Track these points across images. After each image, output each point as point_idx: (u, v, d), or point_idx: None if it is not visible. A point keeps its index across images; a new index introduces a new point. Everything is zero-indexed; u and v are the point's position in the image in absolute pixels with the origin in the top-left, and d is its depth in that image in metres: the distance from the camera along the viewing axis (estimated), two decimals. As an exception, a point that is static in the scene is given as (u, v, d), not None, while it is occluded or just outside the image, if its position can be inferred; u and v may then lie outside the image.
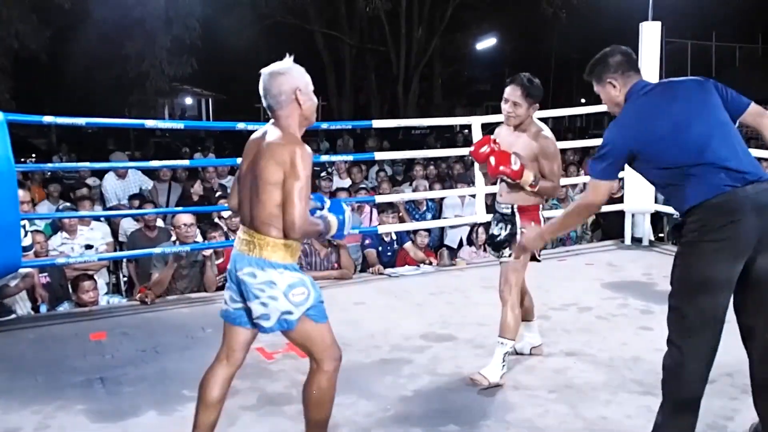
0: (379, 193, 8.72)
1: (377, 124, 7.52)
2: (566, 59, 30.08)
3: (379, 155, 7.56)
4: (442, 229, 8.66)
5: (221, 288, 6.48)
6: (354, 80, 25.86)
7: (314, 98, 3.17)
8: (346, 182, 9.82)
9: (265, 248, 3.03)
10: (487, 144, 4.25)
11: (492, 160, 4.19)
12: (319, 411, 3.15)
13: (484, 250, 8.00)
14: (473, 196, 7.86)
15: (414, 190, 9.28)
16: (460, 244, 8.33)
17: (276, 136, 3.05)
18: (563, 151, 12.15)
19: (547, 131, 4.29)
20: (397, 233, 7.38)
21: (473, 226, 7.96)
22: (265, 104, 3.12)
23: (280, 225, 3.00)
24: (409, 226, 7.56)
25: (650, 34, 7.59)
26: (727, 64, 22.75)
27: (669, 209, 8.38)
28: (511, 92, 4.25)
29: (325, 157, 7.75)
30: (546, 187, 4.24)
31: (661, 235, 9.11)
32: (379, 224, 7.43)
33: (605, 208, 8.07)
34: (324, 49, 24.18)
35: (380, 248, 7.29)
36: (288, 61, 3.18)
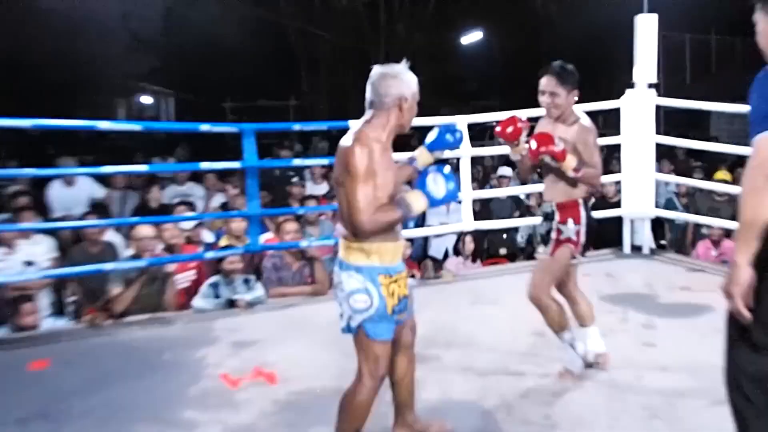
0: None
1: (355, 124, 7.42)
2: (561, 55, 30.21)
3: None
4: (425, 239, 8.56)
5: (184, 307, 6.35)
6: (330, 78, 25.80)
7: (416, 108, 3.44)
8: (323, 187, 9.71)
9: (343, 249, 3.34)
10: (513, 124, 4.38)
11: (533, 143, 4.27)
12: (348, 420, 3.38)
13: (473, 260, 7.91)
14: (459, 201, 7.77)
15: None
16: (446, 255, 8.23)
17: (349, 134, 3.27)
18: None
19: (585, 119, 4.40)
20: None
21: (460, 235, 7.88)
22: (367, 97, 3.35)
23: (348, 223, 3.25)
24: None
25: (646, 27, 7.65)
26: (726, 59, 22.92)
27: (672, 214, 8.34)
28: (546, 83, 4.37)
29: (297, 161, 7.64)
30: (590, 173, 4.31)
31: (663, 242, 9.06)
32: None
33: (601, 214, 8.01)
34: (298, 45, 24.12)
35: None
36: (403, 65, 3.41)
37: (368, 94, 3.37)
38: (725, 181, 8.63)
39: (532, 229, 8.92)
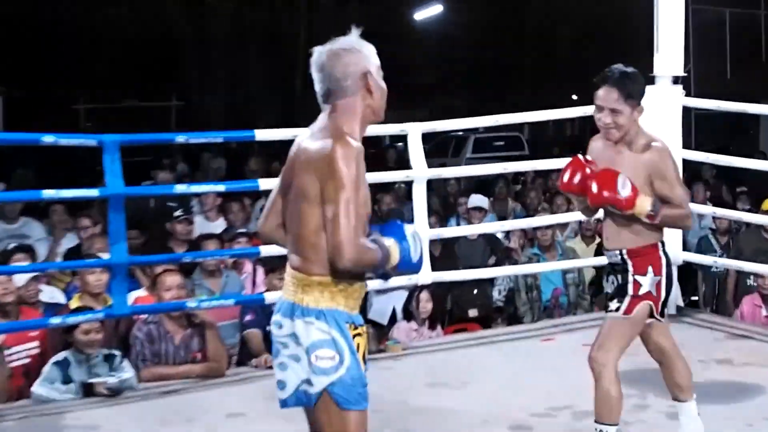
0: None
1: (263, 135, 7.47)
2: (551, 37, 30.69)
3: (266, 183, 7.52)
4: (365, 296, 8.62)
5: (20, 394, 6.32)
6: (228, 68, 25.83)
7: (384, 85, 3.58)
8: (218, 224, 9.71)
9: (299, 289, 3.43)
10: (581, 169, 4.58)
11: (593, 185, 4.47)
12: None
13: (431, 326, 7.98)
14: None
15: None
16: (393, 319, 8.30)
17: (316, 131, 3.46)
18: (547, 174, 12.36)
19: (660, 142, 4.62)
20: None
21: (413, 291, 7.94)
22: (318, 90, 3.51)
23: (322, 257, 3.36)
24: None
25: (670, -1, 7.75)
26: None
27: (708, 259, 8.52)
28: (605, 96, 4.56)
29: (181, 187, 7.64)
30: (671, 215, 4.54)
31: (694, 298, 9.27)
32: (267, 290, 7.36)
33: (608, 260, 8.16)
34: (180, 22, 24.14)
35: (268, 328, 7.20)
36: (354, 35, 3.60)
37: (320, 85, 3.52)
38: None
39: (513, 282, 9.12)
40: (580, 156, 4.69)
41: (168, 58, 26.51)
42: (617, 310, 4.65)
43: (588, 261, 8.93)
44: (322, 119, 3.53)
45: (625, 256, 4.66)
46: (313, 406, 3.42)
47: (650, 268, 4.61)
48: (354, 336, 3.43)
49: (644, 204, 4.45)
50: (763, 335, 7.46)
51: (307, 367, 3.38)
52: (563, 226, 10.08)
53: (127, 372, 6.37)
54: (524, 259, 9.18)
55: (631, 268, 4.64)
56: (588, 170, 4.58)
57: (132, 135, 6.69)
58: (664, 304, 4.72)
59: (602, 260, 8.46)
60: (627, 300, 4.62)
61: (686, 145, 8.00)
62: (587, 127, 29.24)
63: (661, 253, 4.66)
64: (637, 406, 5.85)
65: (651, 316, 4.69)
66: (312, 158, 3.38)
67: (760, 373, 6.51)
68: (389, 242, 3.46)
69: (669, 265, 4.69)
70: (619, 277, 4.69)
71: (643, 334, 4.81)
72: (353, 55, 3.52)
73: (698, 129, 19.58)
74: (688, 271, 8.92)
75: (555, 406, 5.85)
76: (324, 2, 23.75)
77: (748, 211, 9.34)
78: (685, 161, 7.91)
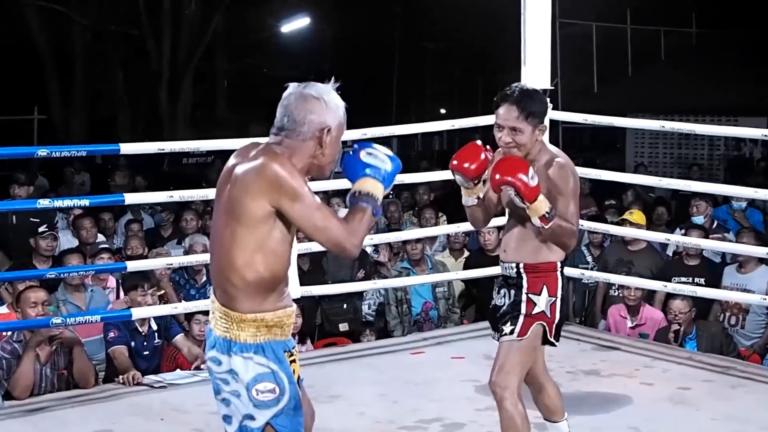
0: (129, 257, 8.57)
1: (128, 149, 7.42)
2: (418, 49, 30.96)
3: (131, 198, 7.46)
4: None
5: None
6: (90, 81, 25.50)
7: (339, 146, 3.64)
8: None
9: (233, 325, 3.48)
10: (481, 151, 4.55)
11: (503, 165, 4.41)
12: None
13: (300, 341, 8.02)
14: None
15: (188, 252, 9.20)
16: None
17: (251, 155, 3.49)
18: (413, 187, 12.45)
19: (563, 158, 4.60)
20: (159, 320, 7.30)
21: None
22: (276, 122, 3.58)
23: (253, 290, 3.46)
24: (183, 307, 7.48)
25: (537, 11, 7.91)
26: (648, 54, 23.89)
27: (575, 271, 8.72)
28: (505, 115, 4.55)
29: (44, 202, 7.54)
30: (561, 226, 4.45)
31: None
32: (130, 306, 7.31)
33: (479, 273, 8.30)
34: (41, 33, 23.74)
35: (134, 344, 7.17)
36: (331, 85, 3.64)
37: (278, 118, 3.59)
38: (638, 225, 9.06)
39: (383, 296, 9.19)
40: (479, 142, 4.65)
41: (29, 70, 26.05)
42: (511, 333, 4.59)
43: (458, 274, 9.06)
44: (261, 145, 3.58)
45: (522, 270, 4.61)
46: None
47: (545, 288, 4.57)
48: (291, 362, 3.54)
49: (543, 204, 4.39)
50: (629, 346, 7.67)
51: (248, 402, 3.46)
52: (432, 239, 10.20)
53: (-12, 391, 6.28)
54: (394, 273, 9.27)
55: (525, 285, 4.60)
56: (486, 155, 4.56)
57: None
58: (559, 327, 4.67)
59: (471, 274, 8.69)
60: (520, 321, 4.57)
61: (554, 158, 8.15)
62: (456, 141, 29.65)
63: (558, 273, 4.63)
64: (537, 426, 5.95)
65: (545, 339, 4.65)
66: (247, 177, 3.43)
67: (626, 384, 6.68)
68: (362, 183, 3.58)
69: (564, 287, 4.67)
70: (512, 292, 4.66)
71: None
72: (319, 105, 3.56)
73: (566, 143, 19.96)
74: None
75: (424, 419, 5.92)
76: (188, 15, 23.52)
77: (617, 223, 9.57)
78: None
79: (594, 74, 22.79)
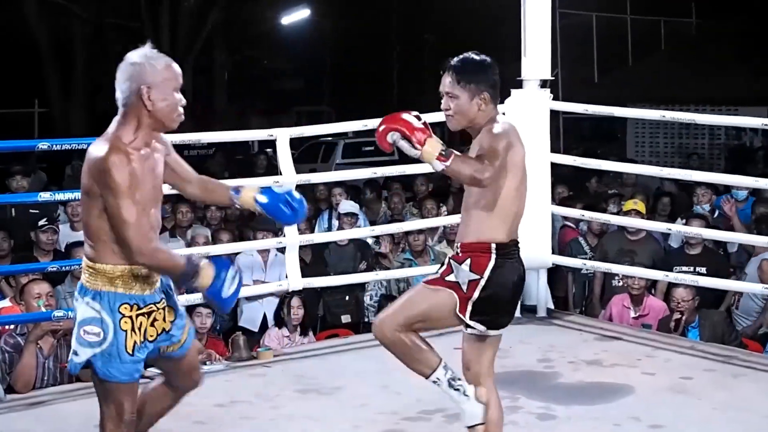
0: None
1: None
2: (416, 41, 30.91)
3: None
4: (236, 303, 8.61)
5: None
6: (90, 75, 25.47)
7: (176, 98, 4.00)
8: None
9: (85, 272, 3.93)
10: (396, 119, 4.34)
11: (384, 121, 4.33)
12: None
13: (302, 333, 8.01)
14: (282, 250, 7.86)
15: (189, 244, 9.20)
16: (264, 326, 8.29)
17: (100, 139, 3.90)
18: (411, 179, 12.42)
19: (501, 126, 4.44)
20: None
21: (284, 298, 7.95)
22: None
23: (101, 248, 3.89)
24: (184, 299, 7.46)
25: (537, 2, 7.90)
26: (648, 44, 23.88)
27: (576, 261, 8.72)
28: (444, 81, 4.53)
29: (45, 196, 7.53)
30: (465, 163, 4.26)
31: (565, 300, 9.45)
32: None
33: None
34: (41, 26, 23.70)
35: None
36: (146, 48, 4.03)
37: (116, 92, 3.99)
38: (639, 214, 9.09)
39: (386, 288, 9.16)
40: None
41: (28, 63, 26.02)
42: (422, 280, 4.64)
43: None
44: (112, 124, 4.00)
45: (458, 249, 4.53)
46: (76, 373, 4.17)
47: (468, 261, 4.43)
48: (138, 316, 3.90)
49: (435, 144, 4.23)
50: (631, 336, 7.65)
51: (75, 340, 3.92)
52: (433, 230, 10.18)
53: (-9, 385, 6.28)
54: (397, 264, 9.25)
55: (450, 261, 4.52)
56: (405, 116, 4.32)
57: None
58: (486, 311, 4.48)
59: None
60: (433, 276, 4.55)
61: (555, 149, 8.14)
62: (457, 132, 29.58)
63: (492, 255, 4.44)
64: (509, 409, 5.94)
65: (459, 320, 4.52)
66: (90, 164, 3.85)
67: (628, 374, 6.67)
68: (205, 264, 3.94)
69: (503, 273, 4.47)
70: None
71: (463, 347, 4.73)
72: (134, 69, 3.95)
73: (566, 133, 19.93)
74: (558, 274, 9.09)
75: (427, 410, 5.91)
76: (188, 6, 23.47)
77: (619, 213, 9.56)
78: (554, 165, 8.07)
79: (594, 65, 22.78)
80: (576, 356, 7.05)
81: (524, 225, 7.88)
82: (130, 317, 3.86)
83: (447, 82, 4.49)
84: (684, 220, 9.28)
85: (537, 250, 8.06)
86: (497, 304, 4.48)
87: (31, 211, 9.72)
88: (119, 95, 3.97)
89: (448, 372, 4.58)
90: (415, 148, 4.23)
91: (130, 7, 23.84)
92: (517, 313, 8.15)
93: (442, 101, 4.54)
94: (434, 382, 4.56)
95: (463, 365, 4.70)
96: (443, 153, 4.21)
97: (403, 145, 4.25)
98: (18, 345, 6.55)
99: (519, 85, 7.91)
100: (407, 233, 9.32)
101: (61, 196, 7.79)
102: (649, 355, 7.14)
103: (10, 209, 10.06)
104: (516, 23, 7.97)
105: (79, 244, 8.38)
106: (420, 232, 9.14)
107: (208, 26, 23.61)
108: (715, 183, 10.36)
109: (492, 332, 4.58)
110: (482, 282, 4.43)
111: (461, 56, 4.55)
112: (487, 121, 4.48)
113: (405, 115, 4.29)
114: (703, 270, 8.51)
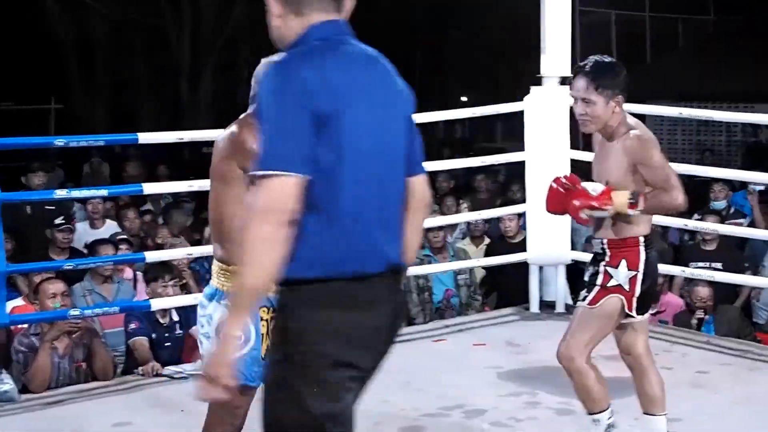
0: (147, 247, 8.59)
1: (146, 138, 7.36)
2: (441, 36, 30.86)
3: (150, 188, 7.44)
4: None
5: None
6: (111, 72, 25.51)
7: None
8: (103, 231, 9.56)
9: (219, 275, 3.95)
10: (555, 191, 4.66)
11: (572, 206, 4.57)
12: None
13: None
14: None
15: (208, 241, 9.21)
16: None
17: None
18: (433, 175, 12.41)
19: (639, 129, 4.62)
20: (181, 311, 7.29)
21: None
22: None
23: (226, 241, 3.86)
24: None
25: (557, 0, 7.90)
26: (667, 41, 23.84)
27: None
28: (577, 86, 4.62)
29: (61, 192, 7.53)
30: (656, 199, 4.54)
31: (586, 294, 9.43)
32: (151, 297, 7.30)
33: (501, 260, 8.28)
34: (62, 24, 23.75)
35: (155, 335, 7.17)
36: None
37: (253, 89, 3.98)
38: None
39: (405, 284, 9.15)
40: (553, 183, 4.73)
41: (47, 59, 26.02)
42: (584, 300, 4.71)
43: (479, 261, 9.04)
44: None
45: (605, 246, 4.70)
46: None
47: (624, 261, 4.63)
48: (271, 319, 3.68)
49: (621, 198, 4.48)
50: (649, 330, 7.63)
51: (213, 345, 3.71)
52: (453, 227, 10.18)
53: (6, 384, 6.26)
54: (416, 261, 9.23)
55: (606, 259, 4.68)
56: (562, 189, 4.64)
57: (7, 138, 6.59)
58: (643, 300, 4.72)
59: (492, 261, 8.67)
60: (594, 290, 4.67)
61: (574, 146, 8.13)
62: (478, 129, 29.60)
63: (641, 248, 4.65)
64: (529, 404, 5.95)
65: (626, 314, 4.71)
66: (227, 144, 3.92)
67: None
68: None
69: (651, 262, 4.70)
70: (597, 266, 4.74)
71: (616, 334, 4.89)
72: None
73: (585, 130, 19.89)
74: (577, 270, 9.07)
75: (447, 406, 5.93)
76: (208, 6, 23.43)
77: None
78: (574, 161, 8.04)
79: (613, 62, 22.68)
80: (594, 351, 7.01)
81: (543, 221, 7.96)
82: (266, 321, 3.77)
83: (581, 87, 4.59)
84: (699, 216, 9.27)
85: (556, 246, 8.06)
86: (652, 292, 4.82)
87: (46, 207, 9.71)
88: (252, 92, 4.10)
89: (612, 418, 4.80)
90: (607, 210, 4.51)
91: (152, 3, 23.82)
92: (536, 309, 8.21)
93: (577, 106, 4.64)
94: (593, 420, 4.76)
95: (621, 352, 4.98)
96: (632, 200, 4.47)
97: (596, 213, 4.56)
98: (32, 345, 6.52)
99: (538, 81, 7.91)
100: (427, 229, 9.30)
101: (77, 193, 7.80)
102: (667, 350, 7.13)
103: (25, 206, 10.08)
104: (536, 18, 7.96)
105: (104, 241, 8.41)
106: (439, 228, 9.12)
107: (231, 23, 23.58)
108: (731, 179, 10.36)
109: (642, 317, 4.81)
110: (639, 276, 4.65)
111: (593, 60, 4.66)
112: (619, 122, 4.63)
113: (578, 194, 4.55)
114: (719, 265, 8.50)
